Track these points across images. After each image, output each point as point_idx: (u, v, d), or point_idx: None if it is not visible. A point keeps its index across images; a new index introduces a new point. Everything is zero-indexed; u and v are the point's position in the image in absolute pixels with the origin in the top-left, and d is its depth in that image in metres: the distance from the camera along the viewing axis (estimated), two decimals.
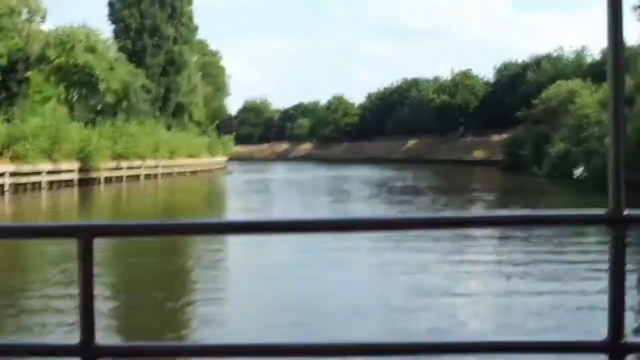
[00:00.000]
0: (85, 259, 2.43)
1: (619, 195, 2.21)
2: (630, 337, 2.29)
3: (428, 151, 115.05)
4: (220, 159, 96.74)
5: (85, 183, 55.86)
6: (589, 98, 61.67)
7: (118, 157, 61.71)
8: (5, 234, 3.22)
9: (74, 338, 2.50)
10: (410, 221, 2.67)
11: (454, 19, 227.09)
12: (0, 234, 3.27)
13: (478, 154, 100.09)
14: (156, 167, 69.97)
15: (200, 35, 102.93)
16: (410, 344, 2.58)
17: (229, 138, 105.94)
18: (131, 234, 2.73)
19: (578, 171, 58.23)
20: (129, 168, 64.11)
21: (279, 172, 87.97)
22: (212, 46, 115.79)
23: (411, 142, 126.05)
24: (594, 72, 76.98)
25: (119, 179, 62.18)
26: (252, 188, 56.62)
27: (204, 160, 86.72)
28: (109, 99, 69.71)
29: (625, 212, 2.21)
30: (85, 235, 2.44)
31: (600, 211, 2.26)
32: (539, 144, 66.08)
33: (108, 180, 59.88)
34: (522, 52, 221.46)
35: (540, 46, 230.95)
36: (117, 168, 61.98)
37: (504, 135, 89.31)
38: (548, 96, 74.10)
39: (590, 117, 57.03)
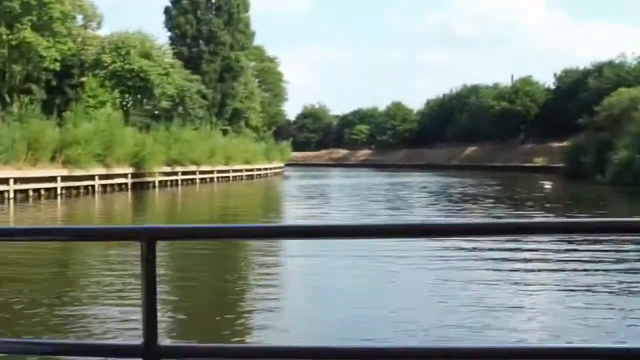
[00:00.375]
0: (149, 261, 2.43)
1: None
2: None
3: (488, 157, 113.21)
4: (278, 164, 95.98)
5: (140, 187, 55.57)
6: None
7: (173, 162, 61.16)
8: (70, 236, 3.25)
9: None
10: (474, 227, 2.51)
11: (510, 27, 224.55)
12: (65, 236, 3.29)
13: (539, 161, 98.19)
14: (212, 171, 69.41)
15: (258, 41, 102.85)
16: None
17: (286, 144, 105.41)
18: (193, 237, 2.93)
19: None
20: (184, 173, 63.56)
21: (336, 178, 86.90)
22: (270, 52, 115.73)
23: (471, 149, 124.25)
24: None
25: (174, 183, 61.84)
26: (308, 194, 55.57)
27: (261, 166, 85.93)
28: (164, 104, 69.50)
29: None
30: (148, 238, 2.45)
31: None
32: (601, 152, 64.26)
33: (163, 184, 59.54)
34: (581, 59, 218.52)
35: (600, 54, 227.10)
36: (172, 172, 61.46)
37: (565, 143, 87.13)
38: (610, 103, 72.11)
39: None
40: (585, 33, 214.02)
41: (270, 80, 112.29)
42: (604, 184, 56.51)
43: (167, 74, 67.90)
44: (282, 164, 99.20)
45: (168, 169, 60.59)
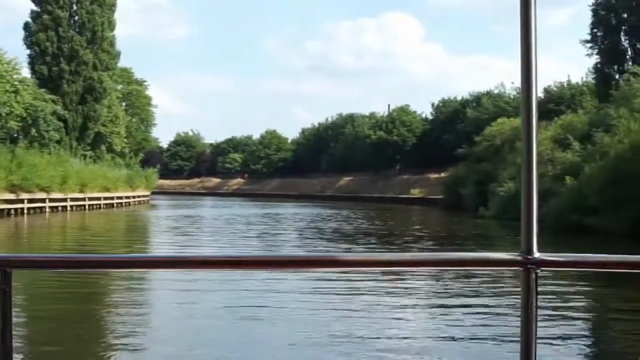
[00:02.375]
0: (5, 290, 2.32)
1: (530, 237, 2.20)
2: None
3: (363, 188, 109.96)
4: (143, 192, 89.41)
5: None
6: (538, 135, 56.15)
7: (16, 188, 53.96)
8: None
9: None
10: (321, 260, 2.78)
11: (388, 59, 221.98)
12: None
13: (416, 192, 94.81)
14: (64, 199, 62.53)
15: (135, 69, 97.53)
16: None
17: (152, 171, 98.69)
18: (53, 267, 2.59)
19: None
20: (31, 200, 56.48)
21: (207, 208, 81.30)
22: (140, 76, 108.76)
23: (346, 179, 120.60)
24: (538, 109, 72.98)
25: (19, 212, 54.81)
26: (173, 226, 49.87)
27: (123, 194, 79.23)
28: (13, 125, 62.31)
29: (537, 254, 2.21)
30: (4, 266, 2.31)
31: (513, 254, 2.26)
32: (483, 183, 60.59)
33: (5, 213, 52.59)
34: (459, 92, 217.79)
35: (477, 86, 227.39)
36: (16, 200, 54.37)
37: (442, 174, 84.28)
38: (491, 133, 68.97)
39: (542, 155, 51.39)
40: (462, 66, 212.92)
41: (138, 104, 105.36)
42: (488, 218, 52.38)
43: (15, 92, 60.74)
44: (147, 192, 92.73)
45: (11, 196, 53.46)
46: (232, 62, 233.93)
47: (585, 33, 63.83)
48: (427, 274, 21.56)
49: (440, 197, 78.64)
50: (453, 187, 71.97)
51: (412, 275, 21.39)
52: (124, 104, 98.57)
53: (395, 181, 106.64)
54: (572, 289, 19.90)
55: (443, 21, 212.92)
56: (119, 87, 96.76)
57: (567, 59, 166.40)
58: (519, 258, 2.21)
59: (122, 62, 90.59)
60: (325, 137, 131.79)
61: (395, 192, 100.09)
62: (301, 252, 31.16)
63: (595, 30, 62.81)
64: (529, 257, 2.18)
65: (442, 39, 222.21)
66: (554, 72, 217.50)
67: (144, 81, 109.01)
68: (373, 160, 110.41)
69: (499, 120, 72.09)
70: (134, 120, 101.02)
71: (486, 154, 66.31)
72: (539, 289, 2.18)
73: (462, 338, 14.11)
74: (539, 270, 2.19)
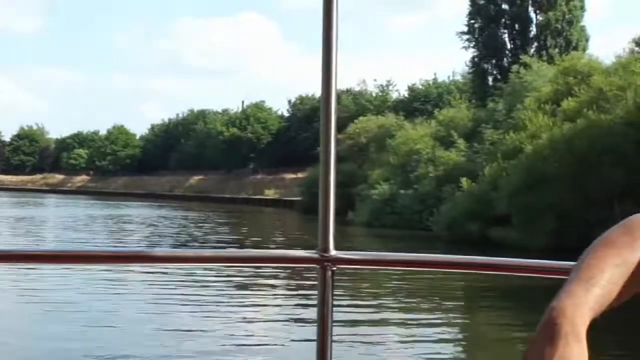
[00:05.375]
0: None
1: (327, 235, 2.19)
2: None
3: (215, 188, 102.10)
4: None
5: None
6: (414, 132, 49.33)
7: None
8: None
9: None
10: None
11: (244, 58, 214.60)
12: None
13: (270, 193, 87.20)
14: None
15: None
16: None
17: None
18: None
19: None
20: None
21: (46, 207, 72.52)
22: None
23: (196, 178, 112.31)
24: (402, 108, 71.18)
25: None
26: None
27: None
28: None
29: (333, 252, 2.20)
30: None
31: (310, 252, 2.23)
32: (347, 185, 53.00)
33: None
34: (317, 91, 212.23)
35: (341, 84, 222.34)
36: None
37: (299, 174, 77.39)
38: (355, 131, 62.09)
39: (420, 154, 44.20)
40: (319, 66, 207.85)
41: None
42: (358, 224, 44.76)
43: None
44: None
45: None
46: (81, 56, 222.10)
47: (460, 26, 57.78)
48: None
49: (297, 198, 71.65)
50: (312, 189, 64.83)
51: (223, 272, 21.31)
52: None
53: (248, 181, 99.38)
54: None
55: (298, 21, 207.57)
56: None
57: (430, 59, 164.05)
58: (316, 256, 2.18)
59: None
60: (175, 133, 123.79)
61: (249, 192, 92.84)
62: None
63: (472, 21, 56.04)
64: (325, 254, 2.15)
65: (299, 38, 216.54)
66: (418, 72, 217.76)
67: None
68: (225, 159, 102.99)
69: (362, 118, 66.56)
70: None
71: (350, 153, 59.37)
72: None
73: (265, 336, 14.60)
74: (335, 268, 2.14)
